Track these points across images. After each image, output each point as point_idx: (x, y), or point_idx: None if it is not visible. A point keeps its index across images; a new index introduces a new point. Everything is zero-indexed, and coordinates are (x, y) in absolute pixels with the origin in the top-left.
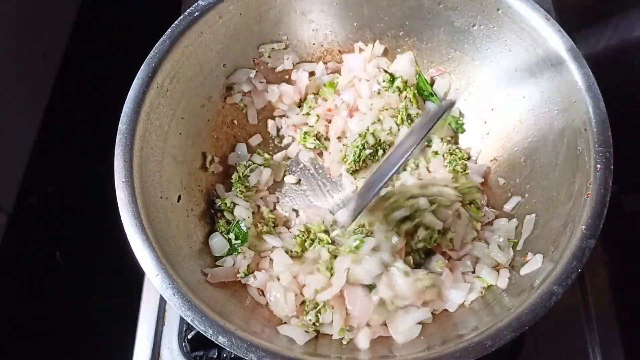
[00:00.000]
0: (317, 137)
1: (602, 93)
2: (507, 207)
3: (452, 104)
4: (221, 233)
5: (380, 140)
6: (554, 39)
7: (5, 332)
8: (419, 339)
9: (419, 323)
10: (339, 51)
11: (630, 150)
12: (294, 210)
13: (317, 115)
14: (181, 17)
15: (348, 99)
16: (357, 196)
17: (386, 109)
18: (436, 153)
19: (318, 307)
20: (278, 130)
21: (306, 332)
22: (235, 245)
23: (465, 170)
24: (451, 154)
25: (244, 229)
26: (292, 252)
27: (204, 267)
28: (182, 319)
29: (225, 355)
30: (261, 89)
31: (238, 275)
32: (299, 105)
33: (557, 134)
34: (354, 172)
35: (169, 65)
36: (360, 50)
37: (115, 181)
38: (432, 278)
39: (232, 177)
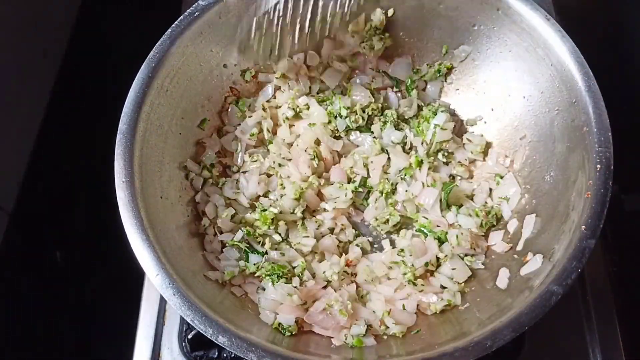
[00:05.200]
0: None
1: (602, 93)
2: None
3: None
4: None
5: None
6: (554, 39)
7: (5, 332)
8: (418, 338)
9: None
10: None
11: (630, 150)
12: None
13: None
14: (181, 17)
15: None
16: None
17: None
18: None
19: None
20: None
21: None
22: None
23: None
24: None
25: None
26: None
27: (204, 268)
28: (182, 319)
29: (225, 355)
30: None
31: None
32: None
33: (557, 134)
34: None
35: (169, 65)
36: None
37: (115, 181)
38: None
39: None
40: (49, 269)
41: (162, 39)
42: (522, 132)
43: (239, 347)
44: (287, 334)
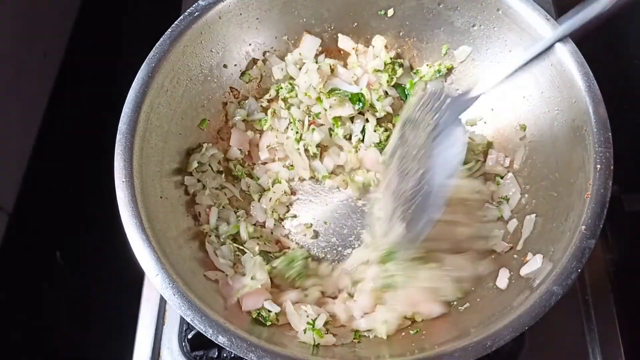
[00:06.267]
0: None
1: (602, 93)
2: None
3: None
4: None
5: None
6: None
7: (6, 332)
8: (418, 338)
9: None
10: (339, 51)
11: (630, 150)
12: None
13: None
14: (181, 17)
15: None
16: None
17: None
18: None
19: None
20: None
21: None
22: None
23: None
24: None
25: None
26: None
27: (204, 268)
28: (182, 318)
29: (225, 354)
30: None
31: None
32: None
33: (557, 134)
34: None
35: (169, 65)
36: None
37: (115, 181)
38: None
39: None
40: (49, 269)
41: (162, 39)
42: (522, 132)
43: (238, 347)
44: (268, 323)
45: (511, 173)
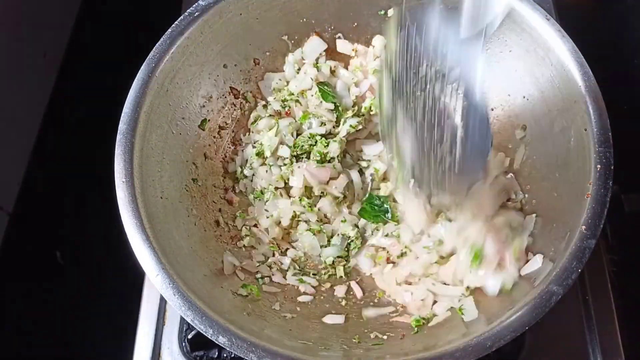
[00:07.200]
0: None
1: (602, 93)
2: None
3: None
4: None
5: None
6: (554, 39)
7: (5, 332)
8: (418, 338)
9: None
10: (340, 51)
11: (630, 151)
12: None
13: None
14: (181, 17)
15: None
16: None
17: None
18: None
19: None
20: None
21: None
22: None
23: None
24: None
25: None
26: None
27: (204, 267)
28: (182, 319)
29: (225, 355)
30: None
31: None
32: None
33: (557, 134)
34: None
35: (169, 65)
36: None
37: (115, 181)
38: None
39: None
40: (49, 269)
41: (162, 39)
42: (522, 132)
43: (239, 347)
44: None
45: (511, 173)
